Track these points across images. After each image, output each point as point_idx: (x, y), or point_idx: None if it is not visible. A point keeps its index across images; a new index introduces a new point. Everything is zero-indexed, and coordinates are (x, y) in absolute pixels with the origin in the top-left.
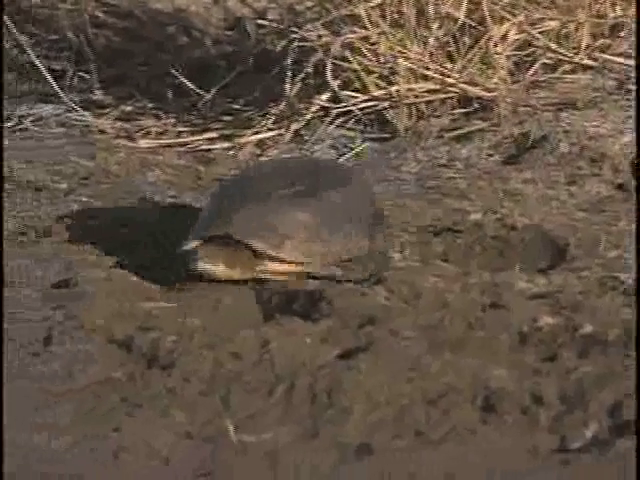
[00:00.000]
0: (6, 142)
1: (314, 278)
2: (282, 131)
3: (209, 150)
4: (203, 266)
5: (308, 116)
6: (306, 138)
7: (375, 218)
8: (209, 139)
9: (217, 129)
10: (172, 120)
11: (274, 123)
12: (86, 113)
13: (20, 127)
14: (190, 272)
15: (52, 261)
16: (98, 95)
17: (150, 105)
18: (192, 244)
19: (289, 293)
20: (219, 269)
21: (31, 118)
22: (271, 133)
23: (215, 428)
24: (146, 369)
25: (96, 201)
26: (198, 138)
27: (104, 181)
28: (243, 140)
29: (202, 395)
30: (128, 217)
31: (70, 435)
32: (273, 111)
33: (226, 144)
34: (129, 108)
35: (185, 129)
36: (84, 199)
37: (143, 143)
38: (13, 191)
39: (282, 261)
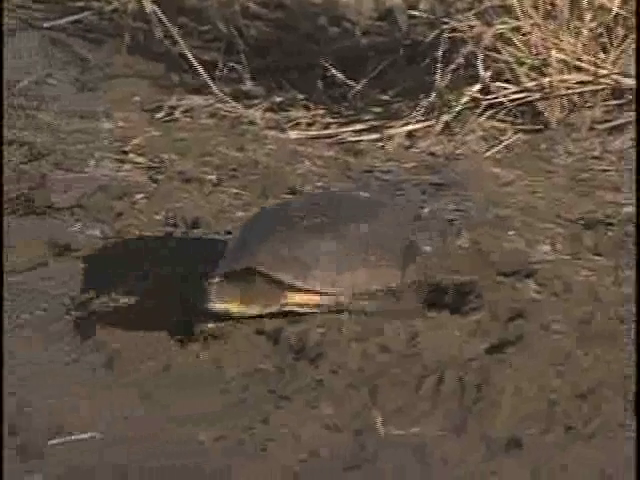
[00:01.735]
0: (156, 133)
1: (346, 311)
2: (432, 122)
3: (358, 141)
4: (214, 305)
5: (458, 107)
6: (456, 130)
7: (408, 251)
8: (358, 130)
9: (366, 120)
10: (322, 111)
11: (424, 114)
12: (236, 104)
13: (170, 118)
14: (205, 311)
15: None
16: (248, 86)
17: (300, 96)
18: (210, 281)
19: (439, 286)
20: (233, 307)
21: (181, 109)
22: (421, 124)
23: (363, 421)
24: (294, 361)
25: (245, 192)
26: (347, 129)
27: (253, 172)
28: (392, 131)
29: (350, 387)
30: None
31: (218, 427)
32: (423, 102)
33: (375, 135)
34: (279, 99)
35: (334, 120)
36: (233, 190)
37: (293, 134)
38: (163, 182)
39: (307, 292)
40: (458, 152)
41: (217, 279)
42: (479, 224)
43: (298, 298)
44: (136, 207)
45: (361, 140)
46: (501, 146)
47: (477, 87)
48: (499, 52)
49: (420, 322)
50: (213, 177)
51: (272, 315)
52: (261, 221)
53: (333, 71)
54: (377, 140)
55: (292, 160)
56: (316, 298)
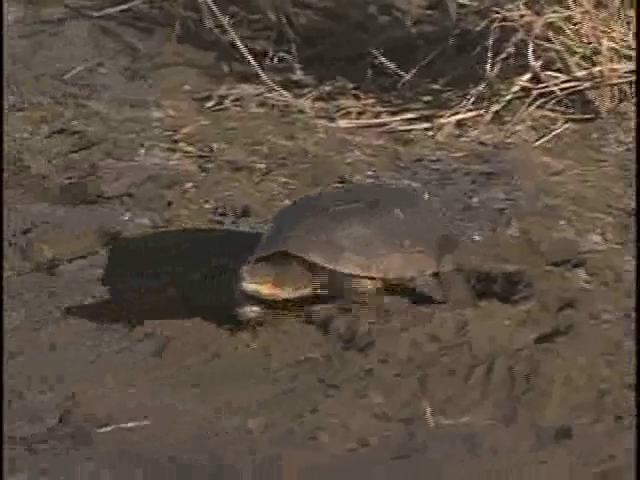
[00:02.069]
0: (206, 122)
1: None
2: (482, 112)
3: (408, 131)
4: (247, 286)
5: (508, 97)
6: (506, 119)
7: (444, 242)
8: (408, 119)
9: (416, 109)
10: (371, 100)
11: (474, 104)
12: (286, 93)
13: (220, 107)
14: (239, 292)
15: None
16: (298, 75)
17: (350, 85)
18: (244, 264)
19: (488, 275)
20: (265, 289)
21: (231, 98)
22: (471, 114)
23: (412, 410)
24: (343, 350)
25: (294, 181)
26: (397, 118)
27: (303, 161)
28: (442, 121)
29: (399, 377)
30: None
31: (267, 416)
32: (473, 92)
33: (425, 125)
34: (328, 88)
35: (384, 109)
36: (282, 179)
37: (342, 123)
38: (212, 171)
39: (339, 275)
40: (508, 141)
41: (251, 262)
42: (529, 213)
43: (330, 281)
44: (186, 196)
45: (411, 129)
46: (551, 135)
47: (527, 76)
48: (550, 41)
49: (470, 311)
50: (262, 166)
51: (304, 299)
52: (296, 209)
53: (383, 60)
54: (427, 129)
55: (341, 149)
56: (348, 281)
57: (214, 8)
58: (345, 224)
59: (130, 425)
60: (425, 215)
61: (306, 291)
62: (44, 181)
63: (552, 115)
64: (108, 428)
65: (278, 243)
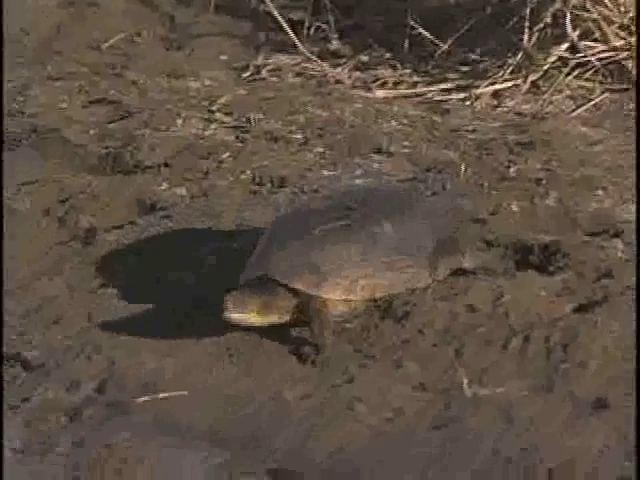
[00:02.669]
0: (243, 92)
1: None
2: (519, 82)
3: (445, 101)
4: (231, 315)
5: (546, 67)
6: (543, 89)
7: (439, 249)
8: (445, 89)
9: (453, 80)
10: (408, 70)
11: (511, 74)
12: (323, 63)
13: (257, 77)
14: (225, 320)
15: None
16: (335, 45)
17: (387, 55)
18: (228, 292)
19: (525, 246)
20: (251, 317)
21: (268, 68)
22: (508, 84)
23: (449, 381)
24: (380, 320)
25: (331, 151)
26: (434, 88)
27: (339, 131)
28: (479, 91)
29: (436, 347)
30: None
31: (303, 386)
32: (510, 62)
33: (462, 95)
34: (366, 58)
35: (421, 79)
36: (319, 149)
37: (379, 93)
38: (249, 141)
39: (325, 300)
40: (545, 111)
41: (235, 290)
42: (566, 184)
43: (317, 305)
44: (222, 166)
45: (448, 99)
46: (589, 105)
47: (565, 46)
48: (588, 11)
49: (506, 282)
50: (299, 136)
51: (292, 323)
52: (282, 226)
53: (420, 30)
54: (464, 99)
55: (378, 119)
56: (334, 305)
57: None
58: (330, 246)
59: (167, 395)
60: (418, 222)
61: (292, 317)
62: (81, 151)
63: (589, 85)
64: (145, 398)
65: (260, 268)
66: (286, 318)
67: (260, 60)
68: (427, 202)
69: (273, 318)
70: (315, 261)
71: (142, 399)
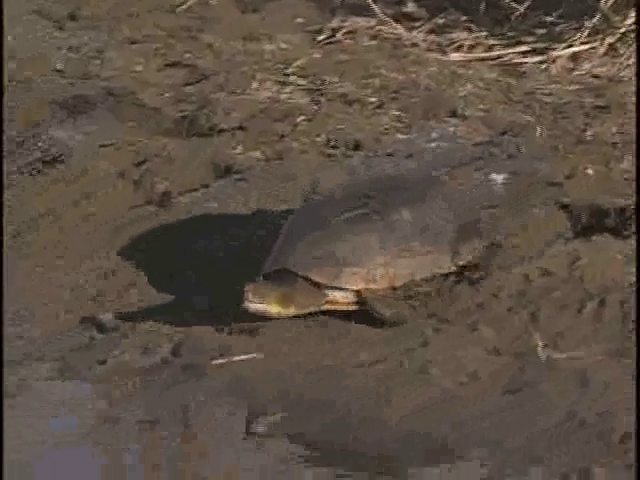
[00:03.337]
0: (318, 55)
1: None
2: (596, 44)
3: (521, 64)
4: (250, 305)
5: (623, 29)
6: (621, 52)
7: (462, 232)
8: (521, 52)
9: (529, 42)
10: (484, 33)
11: (588, 36)
12: (398, 26)
13: (332, 40)
14: (244, 311)
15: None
16: (410, 8)
17: (462, 18)
18: (249, 282)
19: (600, 209)
20: (271, 308)
21: (343, 31)
22: (585, 46)
23: (523, 344)
24: (454, 284)
25: (406, 114)
26: (510, 51)
27: (414, 94)
28: (556, 54)
29: (511, 311)
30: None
31: (378, 349)
32: (587, 24)
33: (538, 58)
34: (441, 21)
35: (497, 42)
36: (394, 112)
37: (454, 56)
38: (324, 104)
39: (344, 290)
40: (622, 74)
41: (255, 280)
42: None
43: (338, 296)
44: (297, 129)
45: (524, 62)
46: None
47: None
48: None
49: (581, 245)
50: (374, 99)
51: (313, 314)
52: (303, 218)
53: None
54: (540, 62)
55: (453, 82)
56: (353, 296)
57: None
58: (348, 236)
59: (243, 357)
60: (438, 208)
61: (313, 307)
62: (157, 114)
63: None
64: (220, 360)
65: (281, 260)
66: (305, 311)
67: (335, 23)
68: (448, 189)
69: (292, 310)
70: (333, 252)
71: (217, 362)
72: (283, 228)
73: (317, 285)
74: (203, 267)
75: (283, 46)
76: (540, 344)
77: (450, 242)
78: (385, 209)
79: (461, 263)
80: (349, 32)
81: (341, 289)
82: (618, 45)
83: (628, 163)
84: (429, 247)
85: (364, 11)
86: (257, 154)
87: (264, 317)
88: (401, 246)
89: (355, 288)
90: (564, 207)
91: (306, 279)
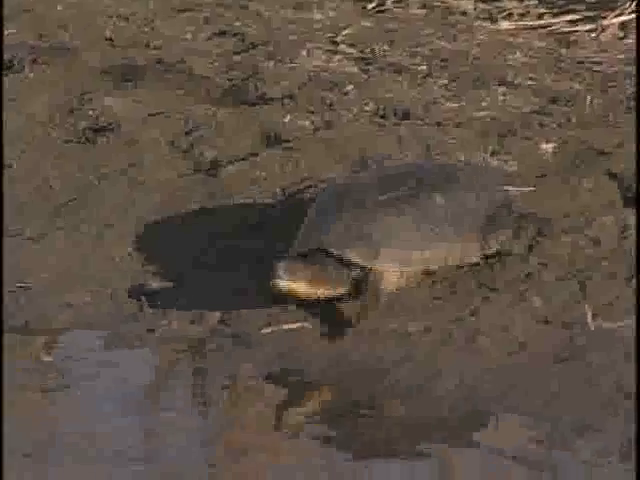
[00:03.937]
0: (367, 23)
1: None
2: None
3: (571, 32)
4: (282, 284)
5: None
6: None
7: (490, 223)
8: (571, 21)
9: (580, 11)
10: (534, 1)
11: (638, 5)
12: None
13: (382, 8)
14: (273, 289)
15: (412, 144)
16: None
17: None
18: (279, 259)
19: None
20: (300, 287)
21: None
22: (634, 15)
23: (572, 314)
24: (504, 254)
25: (455, 84)
26: (560, 20)
27: (464, 63)
28: (606, 22)
29: (560, 281)
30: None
31: (426, 319)
32: None
33: (588, 26)
34: None
35: (547, 10)
36: (443, 81)
37: (504, 25)
38: (373, 73)
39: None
40: None
41: (287, 258)
42: None
43: (374, 279)
44: (346, 98)
45: (574, 31)
46: None
47: None
48: None
49: (631, 215)
50: (424, 68)
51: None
52: (334, 196)
53: None
54: (590, 31)
55: (503, 51)
56: (389, 280)
57: None
58: (383, 217)
59: (292, 326)
60: (470, 195)
61: (342, 290)
62: (206, 82)
63: None
64: (269, 329)
65: (314, 239)
66: (334, 293)
67: None
68: (482, 175)
69: (321, 290)
70: (369, 233)
71: (266, 330)
72: (309, 210)
73: (349, 266)
74: (252, 236)
75: (332, 15)
76: (589, 314)
77: (481, 229)
78: (418, 194)
79: (489, 252)
80: (399, 1)
81: (372, 270)
82: None
83: None
84: (461, 234)
85: None
86: (306, 123)
87: (290, 297)
88: (436, 230)
89: (391, 270)
90: (613, 176)
91: (340, 260)
